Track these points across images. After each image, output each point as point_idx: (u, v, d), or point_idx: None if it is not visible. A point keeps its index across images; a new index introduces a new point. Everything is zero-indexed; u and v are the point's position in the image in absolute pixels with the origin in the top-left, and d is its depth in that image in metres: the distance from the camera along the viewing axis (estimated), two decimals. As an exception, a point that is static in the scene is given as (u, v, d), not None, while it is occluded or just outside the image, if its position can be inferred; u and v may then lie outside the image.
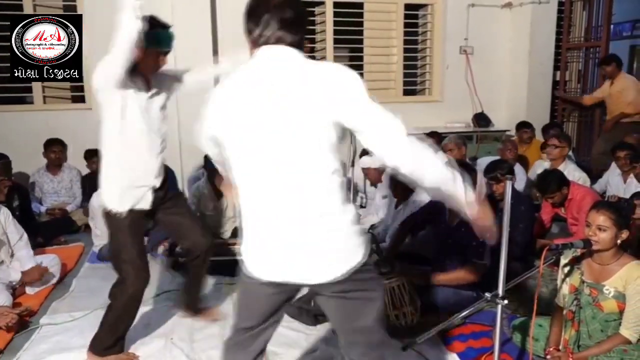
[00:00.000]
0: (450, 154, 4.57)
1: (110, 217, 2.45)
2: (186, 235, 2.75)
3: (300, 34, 1.50)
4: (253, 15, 1.49)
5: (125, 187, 2.44)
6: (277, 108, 1.42)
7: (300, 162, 1.43)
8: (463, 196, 1.49)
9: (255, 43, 1.49)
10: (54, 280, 3.48)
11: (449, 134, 5.91)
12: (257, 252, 1.54)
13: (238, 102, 1.47)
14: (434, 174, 1.44)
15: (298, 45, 1.49)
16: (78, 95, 5.47)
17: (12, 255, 3.31)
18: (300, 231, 1.46)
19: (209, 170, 4.38)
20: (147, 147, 2.46)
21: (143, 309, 3.11)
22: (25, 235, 3.38)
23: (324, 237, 1.46)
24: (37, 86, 5.29)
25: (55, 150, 4.84)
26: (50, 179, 4.91)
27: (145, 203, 2.50)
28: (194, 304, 2.99)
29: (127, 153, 2.41)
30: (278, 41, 1.47)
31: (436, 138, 5.15)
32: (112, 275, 3.66)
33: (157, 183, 2.53)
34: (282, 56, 1.46)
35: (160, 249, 4.13)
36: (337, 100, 1.40)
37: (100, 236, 3.97)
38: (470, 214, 1.54)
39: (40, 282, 3.36)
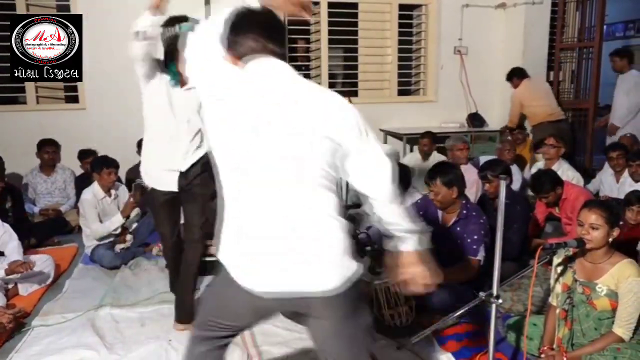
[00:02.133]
0: (461, 154, 4.60)
1: (147, 194, 2.84)
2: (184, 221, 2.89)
3: (283, 49, 1.52)
4: (236, 30, 1.48)
5: (153, 169, 2.72)
6: (272, 118, 1.41)
7: (290, 173, 1.42)
8: (404, 249, 1.54)
9: (238, 56, 1.48)
10: (48, 282, 3.46)
11: (444, 134, 5.95)
12: (245, 261, 1.49)
13: (231, 101, 1.46)
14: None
15: (282, 58, 1.50)
16: (71, 96, 5.44)
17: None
18: (289, 242, 1.44)
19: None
20: (172, 134, 2.64)
21: (139, 309, 3.12)
22: (9, 228, 3.40)
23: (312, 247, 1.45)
24: (30, 86, 5.26)
25: (48, 150, 4.81)
26: (43, 179, 4.88)
27: (172, 185, 2.70)
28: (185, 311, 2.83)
29: (155, 138, 2.68)
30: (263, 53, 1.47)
31: (430, 138, 5.18)
32: (105, 276, 3.69)
33: (183, 167, 2.69)
34: (274, 68, 1.47)
35: (155, 250, 4.12)
36: (330, 122, 1.42)
37: (89, 236, 3.94)
38: (401, 267, 1.55)
39: (35, 281, 3.35)
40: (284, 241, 1.44)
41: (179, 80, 2.58)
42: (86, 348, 2.67)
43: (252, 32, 1.47)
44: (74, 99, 5.44)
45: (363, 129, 1.45)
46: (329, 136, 1.41)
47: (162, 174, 2.70)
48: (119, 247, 4.00)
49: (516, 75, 5.78)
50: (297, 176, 1.43)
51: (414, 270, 1.53)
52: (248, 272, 1.48)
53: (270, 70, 1.46)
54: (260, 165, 1.43)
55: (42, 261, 3.45)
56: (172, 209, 2.84)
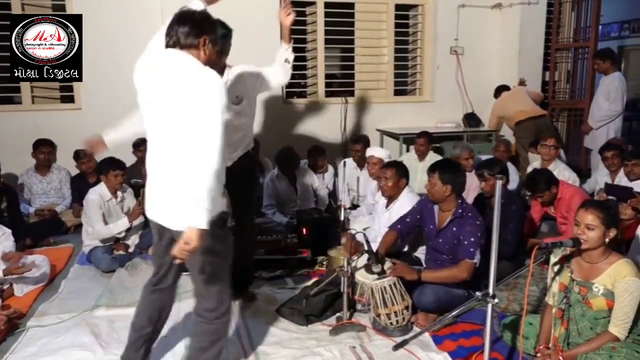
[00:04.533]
0: (467, 163, 4.60)
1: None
2: None
3: (196, 39, 2.01)
4: (168, 29, 2.05)
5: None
6: (163, 92, 1.94)
7: (173, 134, 1.94)
8: None
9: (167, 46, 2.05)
10: (44, 282, 3.45)
11: (440, 134, 5.96)
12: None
13: (145, 80, 2.03)
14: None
15: (193, 46, 2.01)
16: (67, 96, 5.42)
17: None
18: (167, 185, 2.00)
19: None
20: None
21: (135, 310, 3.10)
22: (7, 230, 3.38)
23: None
24: (25, 86, 5.23)
25: (44, 150, 4.80)
26: (39, 179, 4.86)
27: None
28: None
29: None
30: (175, 44, 2.02)
31: (427, 138, 5.18)
32: (100, 276, 3.67)
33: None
34: (174, 56, 2.00)
35: (152, 250, 4.09)
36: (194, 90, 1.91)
37: (90, 235, 3.91)
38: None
39: (31, 282, 3.33)
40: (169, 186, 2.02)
41: None
42: (82, 348, 2.67)
43: (175, 29, 2.02)
44: (70, 99, 5.42)
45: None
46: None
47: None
48: (117, 252, 3.96)
49: (498, 92, 6.12)
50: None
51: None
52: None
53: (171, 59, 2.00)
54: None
55: (38, 262, 3.43)
56: None
